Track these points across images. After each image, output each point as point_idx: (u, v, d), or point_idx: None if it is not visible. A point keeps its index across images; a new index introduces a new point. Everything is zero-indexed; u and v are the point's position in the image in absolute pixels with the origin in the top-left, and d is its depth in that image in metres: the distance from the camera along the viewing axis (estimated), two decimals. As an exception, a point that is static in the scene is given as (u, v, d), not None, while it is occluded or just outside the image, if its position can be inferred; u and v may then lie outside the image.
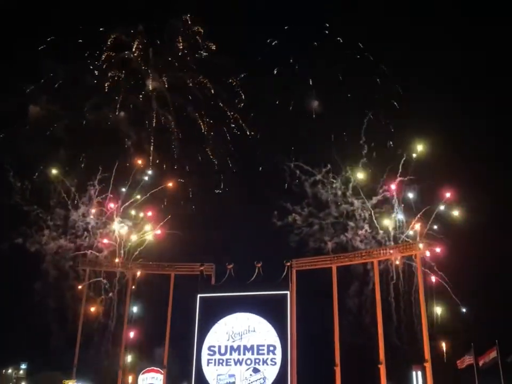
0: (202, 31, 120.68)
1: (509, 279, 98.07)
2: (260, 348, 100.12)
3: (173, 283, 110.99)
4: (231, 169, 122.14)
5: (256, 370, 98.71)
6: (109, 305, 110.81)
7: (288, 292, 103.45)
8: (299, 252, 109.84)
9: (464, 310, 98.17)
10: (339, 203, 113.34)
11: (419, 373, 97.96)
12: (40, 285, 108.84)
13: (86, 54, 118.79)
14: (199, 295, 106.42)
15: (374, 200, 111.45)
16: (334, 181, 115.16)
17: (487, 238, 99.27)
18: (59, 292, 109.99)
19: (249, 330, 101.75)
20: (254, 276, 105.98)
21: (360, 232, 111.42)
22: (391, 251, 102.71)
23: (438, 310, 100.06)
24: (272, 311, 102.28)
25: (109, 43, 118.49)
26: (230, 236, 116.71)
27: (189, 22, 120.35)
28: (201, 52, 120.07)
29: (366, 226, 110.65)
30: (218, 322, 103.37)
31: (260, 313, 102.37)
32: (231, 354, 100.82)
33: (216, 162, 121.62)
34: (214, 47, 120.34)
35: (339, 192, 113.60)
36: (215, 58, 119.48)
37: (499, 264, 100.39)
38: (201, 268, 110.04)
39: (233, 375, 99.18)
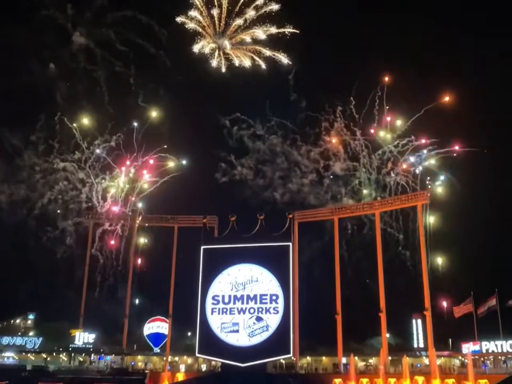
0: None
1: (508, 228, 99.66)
2: (263, 297, 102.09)
3: (176, 235, 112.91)
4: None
5: (259, 319, 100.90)
6: (114, 257, 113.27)
7: (290, 243, 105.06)
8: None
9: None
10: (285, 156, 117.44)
11: (419, 321, 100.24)
12: (45, 238, 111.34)
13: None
14: (202, 247, 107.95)
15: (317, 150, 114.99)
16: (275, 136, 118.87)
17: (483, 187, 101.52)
18: (64, 245, 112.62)
19: (252, 281, 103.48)
20: (257, 228, 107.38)
21: (305, 181, 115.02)
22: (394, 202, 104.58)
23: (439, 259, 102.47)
24: (274, 262, 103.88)
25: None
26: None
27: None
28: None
29: (312, 176, 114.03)
30: (221, 273, 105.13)
31: (262, 264, 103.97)
32: (234, 303, 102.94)
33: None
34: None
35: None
36: (139, 15, 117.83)
37: (497, 213, 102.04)
38: (204, 220, 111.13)
39: (236, 323, 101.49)
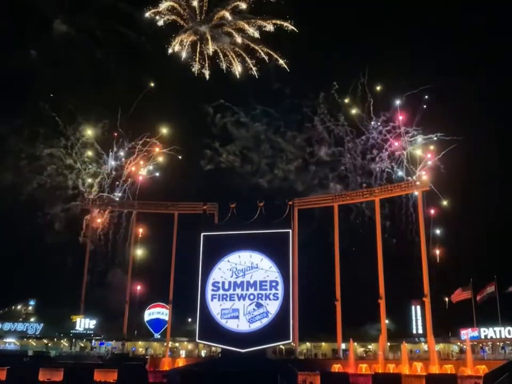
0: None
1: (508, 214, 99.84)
2: (263, 283, 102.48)
3: (176, 222, 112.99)
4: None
5: (259, 305, 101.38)
6: (114, 244, 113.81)
7: (290, 230, 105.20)
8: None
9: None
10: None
11: (418, 307, 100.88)
12: (46, 225, 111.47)
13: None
14: (202, 234, 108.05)
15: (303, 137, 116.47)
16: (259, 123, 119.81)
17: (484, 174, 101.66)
18: (64, 231, 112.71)
19: (252, 267, 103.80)
20: (257, 215, 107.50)
21: (291, 167, 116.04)
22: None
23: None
24: (274, 249, 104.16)
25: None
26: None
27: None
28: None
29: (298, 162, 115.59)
30: (222, 259, 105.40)
31: (262, 250, 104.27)
32: (234, 290, 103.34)
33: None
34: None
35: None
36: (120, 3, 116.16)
37: (497, 199, 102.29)
38: (204, 207, 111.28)
39: (237, 310, 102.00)
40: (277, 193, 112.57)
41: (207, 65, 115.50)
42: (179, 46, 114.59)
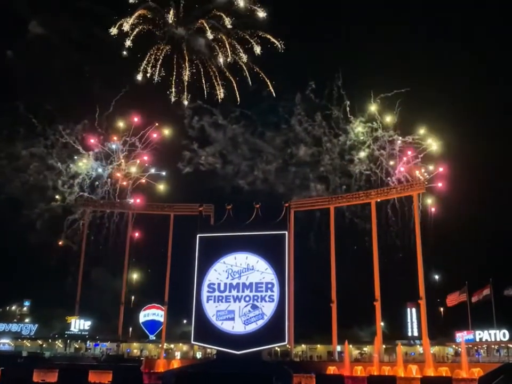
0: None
1: (503, 218, 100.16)
2: (258, 285, 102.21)
3: (172, 223, 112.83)
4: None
5: (254, 307, 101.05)
6: (109, 245, 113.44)
7: (286, 232, 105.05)
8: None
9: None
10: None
11: (413, 310, 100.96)
12: (40, 225, 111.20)
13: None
14: (198, 235, 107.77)
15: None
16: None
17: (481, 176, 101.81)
18: (59, 232, 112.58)
19: (247, 269, 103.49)
20: (253, 217, 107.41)
21: (269, 167, 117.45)
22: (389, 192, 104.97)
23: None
24: (270, 251, 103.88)
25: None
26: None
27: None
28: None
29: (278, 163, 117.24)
30: (217, 261, 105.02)
31: (258, 252, 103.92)
32: (230, 291, 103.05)
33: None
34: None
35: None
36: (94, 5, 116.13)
37: (493, 204, 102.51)
38: (200, 209, 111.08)
39: (232, 311, 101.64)
40: (273, 194, 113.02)
41: (185, 91, 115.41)
42: (150, 67, 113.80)
